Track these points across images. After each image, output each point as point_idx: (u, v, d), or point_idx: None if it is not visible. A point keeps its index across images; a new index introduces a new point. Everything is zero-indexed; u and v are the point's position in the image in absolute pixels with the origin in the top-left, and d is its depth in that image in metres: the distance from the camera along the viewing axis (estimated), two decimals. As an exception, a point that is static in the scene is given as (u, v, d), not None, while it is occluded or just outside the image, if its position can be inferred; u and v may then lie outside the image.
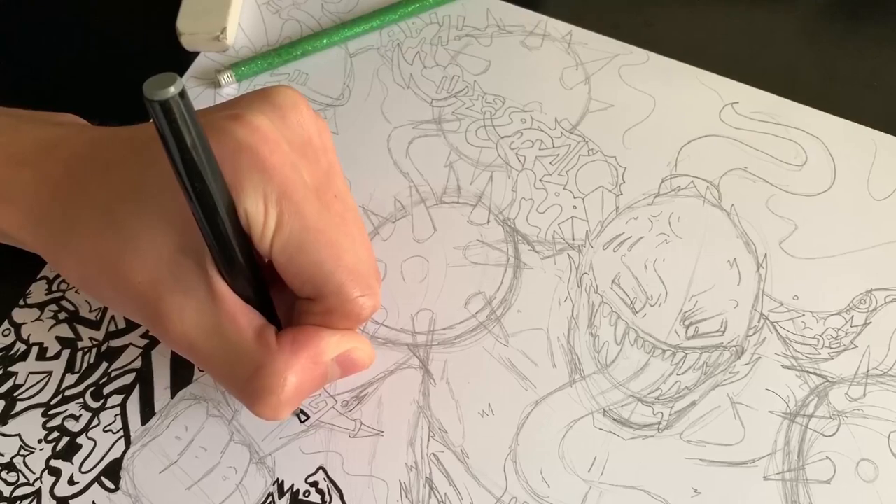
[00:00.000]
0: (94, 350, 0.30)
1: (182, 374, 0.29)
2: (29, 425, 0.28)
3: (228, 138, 0.22)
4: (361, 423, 0.28)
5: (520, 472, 0.27)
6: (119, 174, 0.24)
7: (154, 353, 0.29)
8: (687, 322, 0.29)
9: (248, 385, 0.23)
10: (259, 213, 0.22)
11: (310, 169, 0.24)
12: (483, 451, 0.27)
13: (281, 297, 0.25)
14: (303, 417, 0.28)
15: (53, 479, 0.27)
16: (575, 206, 0.32)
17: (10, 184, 0.26)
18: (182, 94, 0.18)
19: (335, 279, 0.23)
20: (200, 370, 0.29)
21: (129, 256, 0.23)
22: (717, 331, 0.29)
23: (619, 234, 0.31)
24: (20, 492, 0.27)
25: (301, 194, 0.23)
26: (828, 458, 0.27)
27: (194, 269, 0.23)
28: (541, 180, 0.33)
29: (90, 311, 0.30)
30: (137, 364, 0.29)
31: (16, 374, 0.29)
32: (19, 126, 0.27)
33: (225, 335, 0.23)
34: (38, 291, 0.31)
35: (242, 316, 0.23)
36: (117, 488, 0.27)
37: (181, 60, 0.36)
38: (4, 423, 0.28)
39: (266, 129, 0.23)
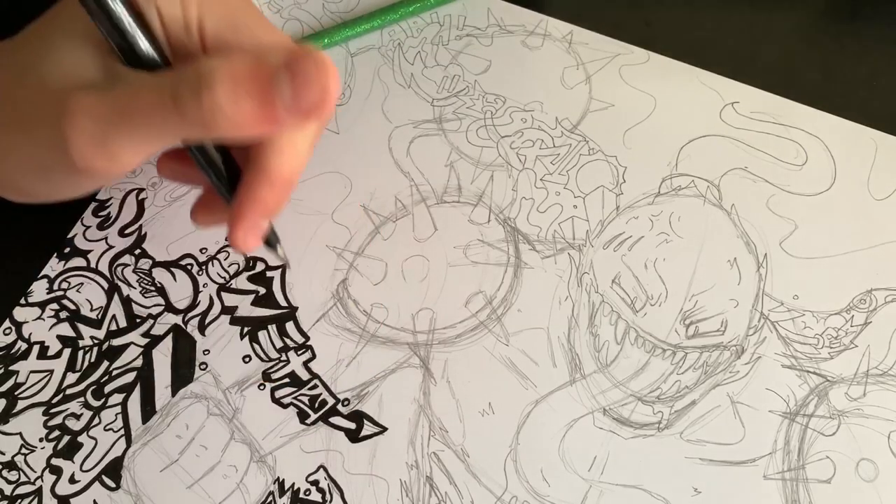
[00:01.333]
0: (95, 349, 0.30)
1: (183, 373, 0.29)
2: (30, 424, 0.28)
3: None
4: (363, 422, 0.28)
5: (520, 470, 0.27)
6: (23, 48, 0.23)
7: (155, 352, 0.30)
8: (687, 321, 0.29)
9: (180, 87, 0.19)
10: (175, 6, 0.21)
11: None
12: (483, 450, 0.27)
13: None
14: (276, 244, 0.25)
15: (54, 477, 0.27)
16: (575, 206, 0.32)
17: None
18: None
19: (277, 44, 0.22)
20: (202, 367, 0.29)
21: (43, 68, 0.21)
22: (718, 330, 0.29)
23: (620, 234, 0.31)
24: (21, 490, 0.27)
25: None
26: (828, 457, 0.27)
27: (102, 73, 0.21)
28: (541, 180, 0.33)
29: (91, 309, 0.30)
30: (138, 363, 0.29)
31: (17, 372, 0.29)
32: None
33: (139, 80, 0.20)
34: (39, 290, 0.31)
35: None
36: (118, 487, 0.27)
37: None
38: (5, 422, 0.28)
39: None
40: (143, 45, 0.21)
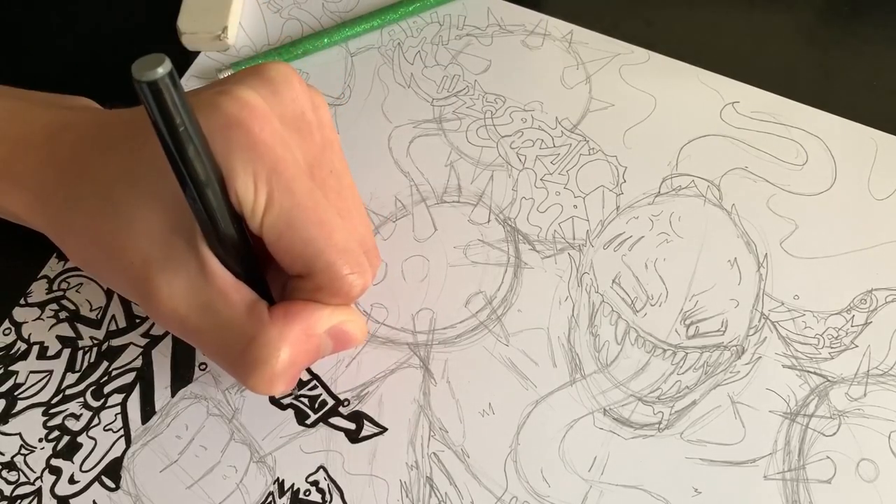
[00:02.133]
0: (95, 349, 0.30)
1: (182, 373, 0.29)
2: (29, 424, 0.28)
3: (218, 114, 0.22)
4: (363, 423, 0.28)
5: (520, 471, 0.27)
6: (117, 155, 0.25)
7: (154, 352, 0.30)
8: (687, 321, 0.29)
9: (242, 358, 0.23)
10: (249, 191, 0.22)
11: (303, 145, 0.24)
12: (483, 451, 0.27)
13: (275, 276, 0.25)
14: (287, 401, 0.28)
15: (54, 478, 0.27)
16: (575, 206, 0.32)
17: (20, 166, 0.26)
18: (170, 74, 0.18)
19: (324, 257, 0.23)
20: (201, 368, 0.29)
21: (123, 236, 0.23)
22: (718, 330, 0.29)
23: (620, 234, 0.31)
24: (21, 491, 0.27)
25: (291, 172, 0.23)
26: (828, 457, 0.27)
27: (185, 248, 0.23)
28: (541, 180, 0.33)
29: (91, 310, 0.30)
30: (138, 363, 0.29)
31: (16, 373, 0.29)
32: (31, 109, 0.27)
33: (216, 309, 0.23)
34: (38, 290, 0.31)
35: (234, 291, 0.23)
36: (118, 487, 0.27)
37: (182, 60, 0.36)
38: (5, 422, 0.28)
39: (256, 104, 0.23)
40: (224, 227, 0.22)
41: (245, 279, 0.24)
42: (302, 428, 0.28)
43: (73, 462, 0.28)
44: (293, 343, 0.23)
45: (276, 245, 0.23)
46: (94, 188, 0.24)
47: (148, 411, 0.28)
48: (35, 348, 0.30)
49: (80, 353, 0.30)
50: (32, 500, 0.27)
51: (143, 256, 0.23)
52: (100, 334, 0.30)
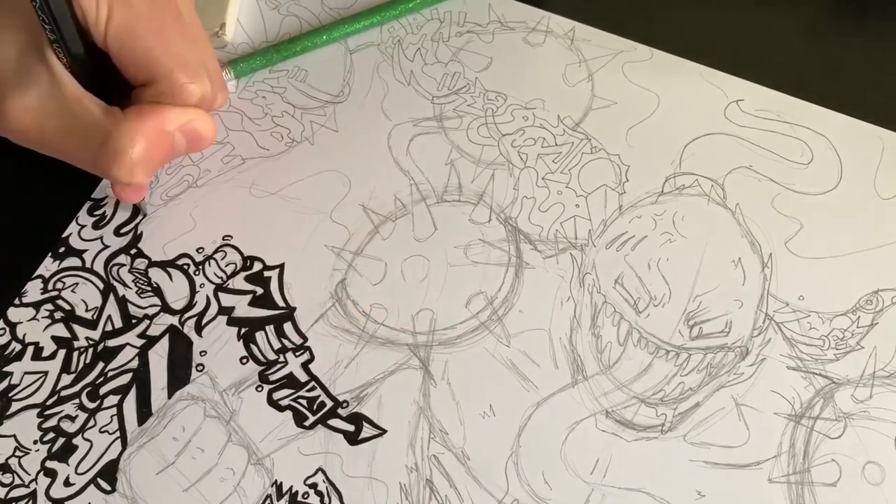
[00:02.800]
0: (91, 350, 0.30)
1: (179, 374, 0.29)
2: (24, 426, 0.28)
3: None
4: (362, 424, 0.28)
5: (521, 474, 0.27)
6: None
7: (151, 353, 0.30)
8: (691, 322, 0.29)
9: (102, 151, 0.26)
10: (91, 3, 0.25)
11: None
12: (484, 453, 0.27)
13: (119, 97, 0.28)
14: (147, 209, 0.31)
15: (49, 480, 0.27)
16: (577, 205, 0.32)
17: None
18: None
19: (164, 64, 0.27)
20: (198, 369, 0.29)
21: None
22: (722, 331, 0.29)
23: (623, 234, 0.31)
24: (15, 493, 0.27)
25: None
26: (833, 460, 0.27)
27: (36, 63, 0.26)
28: (543, 178, 0.33)
29: (86, 310, 0.30)
30: (134, 364, 0.29)
31: (11, 374, 0.29)
32: None
33: (72, 113, 0.26)
34: (33, 290, 0.31)
35: (86, 98, 0.27)
36: (114, 490, 0.27)
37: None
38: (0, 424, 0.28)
39: None
40: (67, 41, 0.26)
41: (96, 93, 0.27)
42: (300, 430, 0.28)
43: (68, 464, 0.28)
44: (147, 135, 0.26)
45: (119, 54, 0.27)
46: None
47: (144, 413, 0.28)
48: (30, 349, 0.30)
49: (76, 353, 0.30)
50: (27, 502, 0.27)
51: None
52: (95, 335, 0.30)
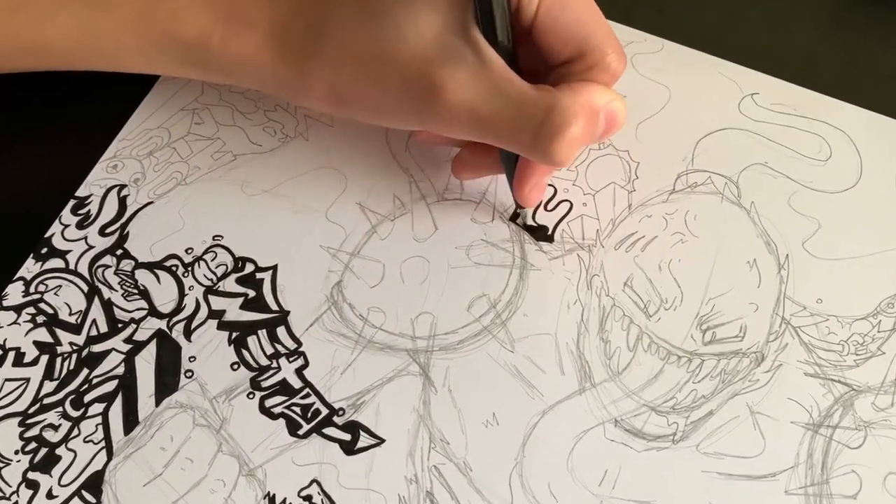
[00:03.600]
0: (75, 356, 0.29)
1: (167, 381, 0.29)
2: (5, 435, 0.28)
3: None
4: (359, 433, 0.28)
5: (526, 485, 0.27)
6: None
7: (138, 359, 0.29)
8: (704, 327, 0.29)
9: (542, 129, 0.25)
10: None
11: None
12: (487, 464, 0.27)
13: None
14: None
15: (31, 492, 0.27)
16: (585, 204, 0.32)
17: (247, 7, 0.27)
18: None
19: (597, 35, 0.27)
20: (187, 375, 0.29)
21: (391, 43, 0.26)
22: (736, 336, 0.29)
23: (632, 234, 0.31)
24: (-5, 506, 0.27)
25: None
26: (853, 471, 0.27)
27: (462, 43, 0.26)
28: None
29: (70, 313, 0.30)
30: (120, 370, 0.29)
31: (-9, 380, 0.29)
32: None
33: (505, 92, 0.26)
34: (14, 293, 0.31)
35: (516, 77, 0.26)
36: (99, 502, 0.27)
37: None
38: (-21, 433, 0.28)
39: None
40: (500, 22, 0.26)
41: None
42: (294, 439, 0.28)
43: (51, 476, 0.28)
44: (583, 111, 0.26)
45: (551, 29, 0.27)
46: (340, 6, 0.26)
47: (131, 422, 0.28)
48: (11, 354, 0.30)
49: (59, 359, 0.29)
50: (8, 515, 0.27)
51: (419, 57, 0.26)
52: (80, 340, 0.30)
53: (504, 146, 0.27)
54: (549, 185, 0.32)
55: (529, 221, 0.31)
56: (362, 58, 0.26)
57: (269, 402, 0.29)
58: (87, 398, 0.29)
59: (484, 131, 0.26)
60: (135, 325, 0.30)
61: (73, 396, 0.29)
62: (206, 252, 0.31)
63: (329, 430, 0.28)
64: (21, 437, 0.28)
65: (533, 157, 0.27)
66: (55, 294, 0.31)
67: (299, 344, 0.30)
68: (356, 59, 0.26)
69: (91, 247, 0.32)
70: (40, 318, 0.30)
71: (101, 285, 0.31)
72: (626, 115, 0.28)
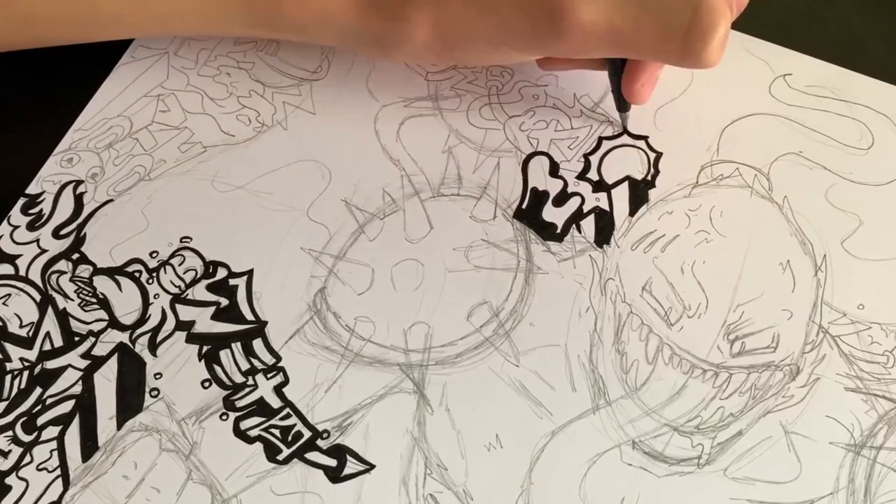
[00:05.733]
0: (26, 373, 0.29)
1: (130, 400, 0.29)
2: (-52, 463, 0.28)
3: None
4: (345, 458, 0.28)
5: (534, 516, 0.27)
6: None
7: (97, 376, 0.29)
8: (732, 336, 0.29)
9: (690, 33, 0.26)
10: None
11: None
12: (490, 492, 0.27)
13: None
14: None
15: (-23, 527, 0.27)
16: (598, 199, 0.32)
17: None
18: None
19: None
20: (153, 394, 0.29)
21: None
22: (768, 347, 0.29)
23: (651, 232, 0.31)
24: (-62, 543, 0.27)
25: None
26: (900, 498, 0.27)
27: None
28: (557, 168, 0.33)
29: (20, 326, 0.30)
30: (77, 389, 0.29)
31: (-68, 401, 0.29)
32: None
33: (642, 1, 0.26)
34: (-42, 303, 0.31)
35: None
36: (53, 538, 0.27)
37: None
38: (-82, 461, 0.28)
39: None
40: None
41: None
42: (273, 465, 0.28)
43: (-1, 508, 0.27)
44: (725, 13, 0.26)
45: None
46: None
47: (90, 447, 0.28)
48: (-46, 372, 0.29)
49: (9, 377, 0.29)
50: (-49, 554, 0.27)
51: None
52: (31, 355, 0.30)
53: (647, 58, 0.27)
54: (559, 177, 0.32)
55: (629, 125, 0.32)
56: None
57: (244, 424, 0.28)
58: (40, 420, 0.29)
59: (623, 46, 0.26)
60: (93, 339, 0.30)
61: (24, 419, 0.29)
62: (172, 256, 0.31)
63: (312, 455, 0.28)
64: (-34, 465, 0.28)
65: (680, 64, 0.27)
66: (3, 304, 0.31)
67: (278, 358, 0.30)
68: None
69: (44, 251, 0.32)
70: (-13, 331, 0.30)
71: (55, 294, 0.31)
72: None
